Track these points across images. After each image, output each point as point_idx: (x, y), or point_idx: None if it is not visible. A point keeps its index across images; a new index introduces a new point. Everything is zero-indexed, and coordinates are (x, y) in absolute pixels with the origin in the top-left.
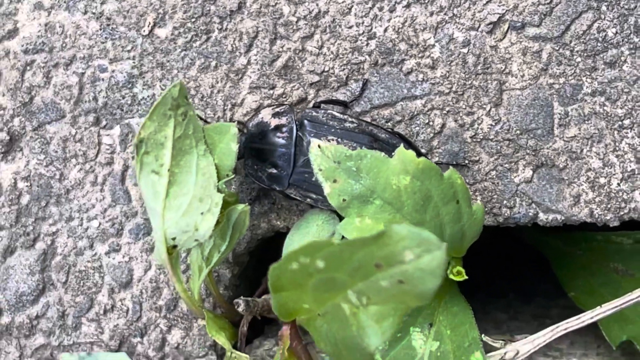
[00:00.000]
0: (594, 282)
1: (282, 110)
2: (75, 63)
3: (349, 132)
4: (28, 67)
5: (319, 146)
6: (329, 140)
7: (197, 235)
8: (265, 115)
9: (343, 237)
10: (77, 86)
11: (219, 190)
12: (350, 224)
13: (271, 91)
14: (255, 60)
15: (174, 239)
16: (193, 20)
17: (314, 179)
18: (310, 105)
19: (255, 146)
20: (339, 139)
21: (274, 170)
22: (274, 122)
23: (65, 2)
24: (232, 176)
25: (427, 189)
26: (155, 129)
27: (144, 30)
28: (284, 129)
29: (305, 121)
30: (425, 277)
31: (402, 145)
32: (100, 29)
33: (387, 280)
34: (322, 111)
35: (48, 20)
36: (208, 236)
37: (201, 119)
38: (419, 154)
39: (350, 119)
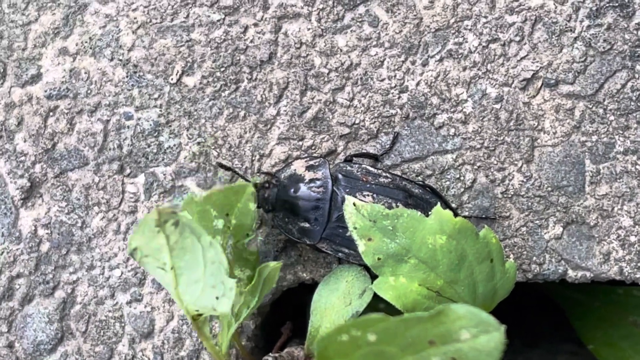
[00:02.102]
0: (614, 334)
1: (316, 164)
2: (100, 110)
3: (383, 187)
4: (51, 113)
5: (354, 204)
6: (364, 196)
7: (217, 312)
8: (298, 167)
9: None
10: (102, 133)
11: (231, 276)
12: (385, 283)
13: (300, 142)
14: (285, 111)
15: (197, 310)
16: (222, 69)
17: (347, 234)
18: (341, 157)
19: (288, 199)
20: (374, 195)
21: (307, 225)
22: (308, 175)
23: (91, 48)
24: (253, 235)
25: (463, 248)
26: (146, 241)
27: (172, 79)
28: (319, 183)
29: (340, 175)
30: (481, 357)
31: (438, 204)
32: (127, 76)
33: (439, 356)
34: (357, 165)
35: (73, 65)
36: (229, 312)
37: (229, 169)
38: (453, 211)
39: (384, 174)
